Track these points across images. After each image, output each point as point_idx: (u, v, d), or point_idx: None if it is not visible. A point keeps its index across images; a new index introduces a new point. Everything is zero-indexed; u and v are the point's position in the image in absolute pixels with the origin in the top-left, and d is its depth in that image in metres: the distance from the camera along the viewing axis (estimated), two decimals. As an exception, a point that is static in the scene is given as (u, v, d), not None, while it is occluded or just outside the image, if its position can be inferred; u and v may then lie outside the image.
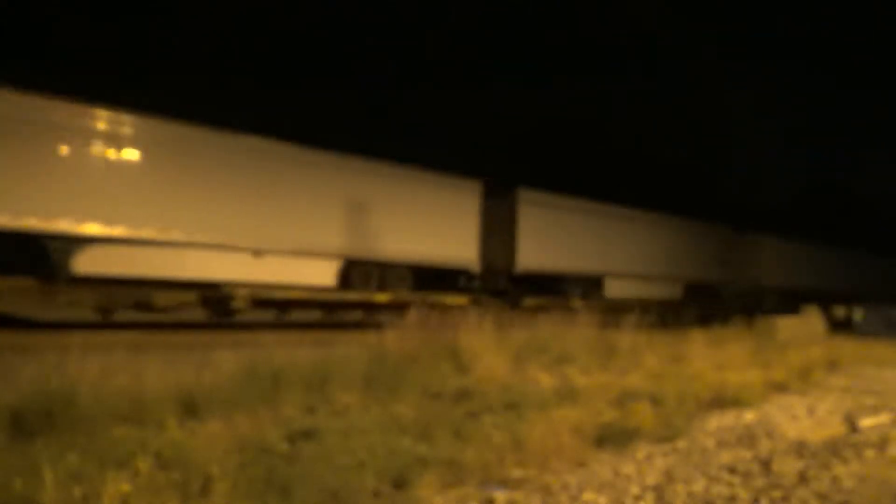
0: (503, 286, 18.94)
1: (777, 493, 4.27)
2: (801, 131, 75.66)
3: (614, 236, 21.89)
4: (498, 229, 18.77)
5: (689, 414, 6.67)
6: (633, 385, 7.77)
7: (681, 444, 5.55)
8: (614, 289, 21.45)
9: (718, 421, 6.55)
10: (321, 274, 14.83)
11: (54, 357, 6.99)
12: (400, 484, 4.05)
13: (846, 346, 13.65)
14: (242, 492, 3.63)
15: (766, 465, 4.98)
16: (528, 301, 18.57)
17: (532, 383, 7.81)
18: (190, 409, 5.50)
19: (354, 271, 15.47)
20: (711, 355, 10.26)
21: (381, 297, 15.77)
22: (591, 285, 20.81)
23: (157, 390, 5.50)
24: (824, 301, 26.78)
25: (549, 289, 19.91)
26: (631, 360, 9.86)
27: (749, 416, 6.85)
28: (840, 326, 20.59)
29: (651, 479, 4.49)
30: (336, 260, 15.10)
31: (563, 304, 18.02)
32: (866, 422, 6.69)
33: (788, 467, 4.87)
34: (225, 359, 6.78)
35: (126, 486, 3.33)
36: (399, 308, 14.86)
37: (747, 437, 5.84)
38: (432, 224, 16.96)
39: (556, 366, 9.02)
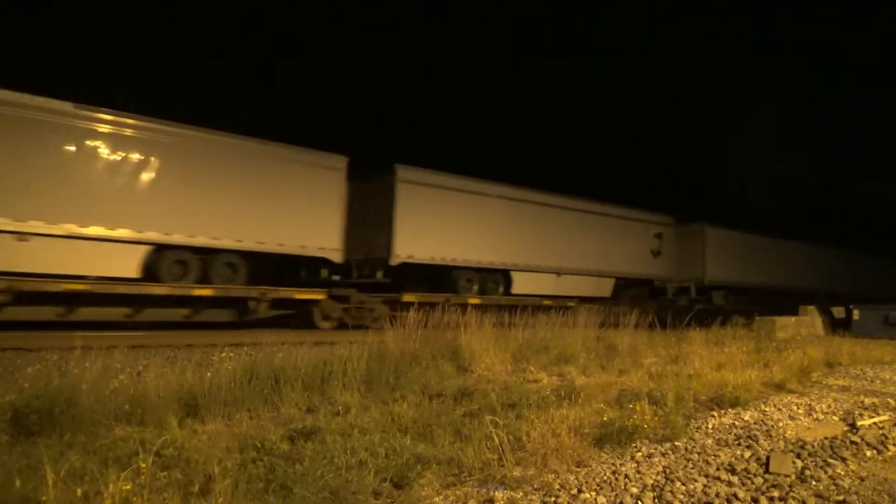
0: (380, 278, 17.02)
1: (775, 493, 4.28)
2: (798, 131, 75.97)
3: (526, 225, 19.50)
4: (373, 213, 16.82)
5: (688, 414, 6.69)
6: (632, 385, 7.79)
7: (680, 443, 5.57)
8: (525, 284, 19.37)
9: (717, 420, 6.57)
10: (119, 263, 12.68)
11: (55, 357, 7.02)
12: (400, 483, 4.07)
13: (844, 346, 13.66)
14: (243, 491, 3.65)
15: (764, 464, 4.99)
16: (409, 296, 16.21)
17: (532, 383, 7.83)
18: (191, 408, 5.53)
19: (164, 260, 13.34)
20: (710, 355, 10.28)
21: (203, 291, 13.52)
22: (493, 280, 18.83)
23: (158, 390, 5.52)
24: (815, 300, 26.50)
25: (441, 283, 17.88)
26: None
27: (748, 415, 6.86)
28: (839, 326, 20.59)
29: (650, 479, 4.50)
30: (139, 245, 12.96)
31: (458, 300, 16.53)
32: (865, 421, 6.71)
33: (787, 467, 4.88)
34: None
35: (127, 486, 3.35)
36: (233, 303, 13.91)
37: (746, 437, 5.85)
38: (278, 204, 14.68)
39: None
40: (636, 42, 72.50)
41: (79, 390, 4.99)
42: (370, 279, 17.05)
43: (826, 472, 4.83)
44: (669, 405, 6.65)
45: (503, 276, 19.08)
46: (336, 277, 16.99)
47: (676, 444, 5.54)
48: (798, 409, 7.36)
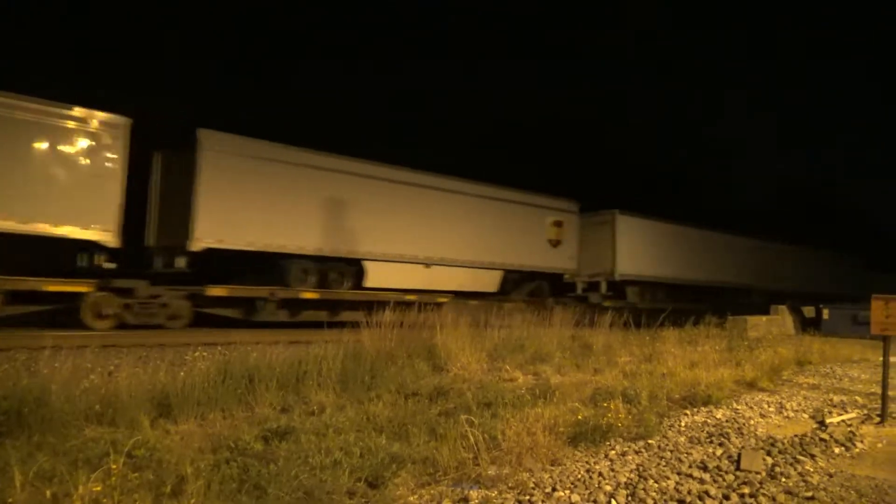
0: (183, 267, 14.63)
1: (746, 490, 4.34)
2: (778, 132, 77.18)
3: (385, 207, 16.88)
4: (173, 189, 14.35)
5: (662, 412, 6.76)
6: (607, 383, 7.86)
7: (653, 441, 5.62)
8: (383, 277, 16.79)
9: (690, 419, 6.64)
10: None
11: (24, 356, 6.89)
12: (375, 483, 4.06)
13: (815, 345, 13.88)
14: (216, 491, 3.61)
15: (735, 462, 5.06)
16: (215, 290, 14.11)
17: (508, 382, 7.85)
18: (163, 408, 5.47)
19: None
20: (683, 354, 10.39)
21: None
22: (339, 271, 16.31)
23: (129, 390, 5.45)
24: (750, 298, 26.15)
25: (271, 273, 15.44)
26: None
27: (720, 413, 6.95)
28: (809, 325, 20.96)
29: (624, 477, 4.54)
30: None
31: (288, 294, 15.02)
32: (833, 419, 6.83)
33: (758, 464, 4.95)
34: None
35: (97, 487, 3.30)
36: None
37: (718, 435, 5.93)
38: (18, 174, 11.89)
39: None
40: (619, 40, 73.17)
41: (48, 390, 4.91)
42: (171, 269, 14.67)
43: (796, 469, 4.90)
44: (643, 404, 6.71)
45: (354, 266, 16.51)
46: (110, 265, 14.09)
47: (650, 442, 5.59)
48: (769, 407, 7.47)
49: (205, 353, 8.73)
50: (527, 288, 20.72)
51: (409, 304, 14.19)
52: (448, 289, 18.04)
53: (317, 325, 14.10)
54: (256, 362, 6.71)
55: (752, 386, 8.84)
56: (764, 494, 4.25)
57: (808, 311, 22.46)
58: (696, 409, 7.12)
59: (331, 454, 4.31)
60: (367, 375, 7.13)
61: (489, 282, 19.32)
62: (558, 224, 21.22)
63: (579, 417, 5.71)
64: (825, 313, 20.77)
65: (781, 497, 4.22)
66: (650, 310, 17.79)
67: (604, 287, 22.23)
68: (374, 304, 12.79)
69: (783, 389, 8.88)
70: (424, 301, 15.54)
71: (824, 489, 4.46)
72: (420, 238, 17.54)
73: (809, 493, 4.32)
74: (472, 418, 5.03)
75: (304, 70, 49.58)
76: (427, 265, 17.71)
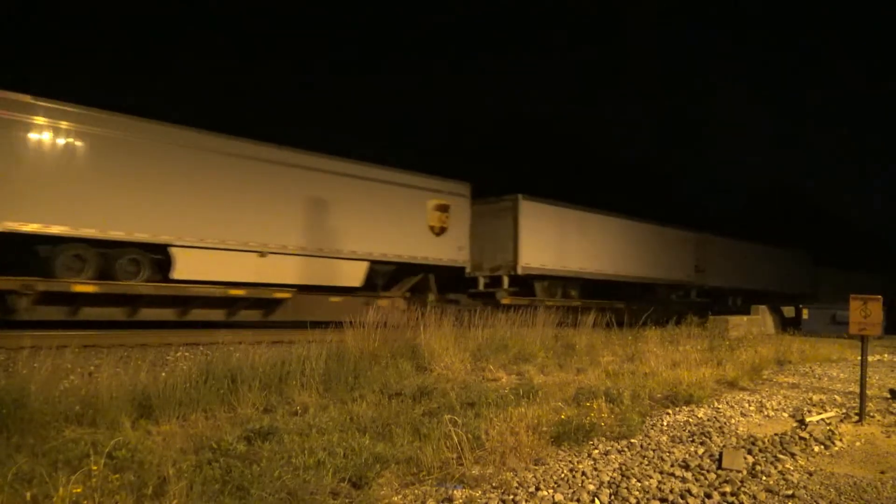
0: None
1: (728, 488, 4.38)
2: (760, 133, 78.08)
3: (200, 182, 13.67)
4: None
5: (644, 411, 6.80)
6: (590, 383, 7.90)
7: (636, 440, 5.66)
8: (198, 267, 13.52)
9: (672, 418, 6.69)
10: None
11: (2, 356, 6.80)
12: (358, 483, 4.05)
13: (794, 345, 14.02)
14: (198, 492, 3.59)
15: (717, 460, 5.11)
16: None
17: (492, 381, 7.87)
18: (145, 409, 5.42)
19: None
20: (665, 354, 10.46)
21: None
22: (131, 259, 12.97)
23: (110, 390, 5.40)
24: (686, 295, 24.71)
25: (31, 261, 12.26)
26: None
27: (701, 412, 7.01)
28: (789, 325, 21.23)
29: (607, 476, 4.57)
30: None
31: (51, 287, 11.76)
32: (813, 418, 6.91)
33: (739, 462, 5.00)
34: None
35: (78, 489, 3.27)
36: None
37: (700, 434, 5.97)
38: None
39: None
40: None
41: (27, 391, 4.85)
42: None
43: (776, 468, 4.96)
44: (626, 403, 6.75)
45: (156, 254, 13.31)
46: None
47: (632, 441, 5.63)
48: (750, 406, 7.54)
49: (187, 354, 8.69)
50: (408, 282, 17.91)
51: (233, 302, 12.92)
52: (291, 282, 14.89)
53: (299, 324, 12.78)
54: (239, 362, 6.67)
55: (733, 385, 8.92)
56: (745, 493, 4.29)
57: (788, 311, 22.75)
58: (678, 409, 7.17)
59: (314, 454, 4.29)
60: (350, 375, 7.11)
61: (350, 274, 16.11)
62: (443, 209, 18.09)
63: (562, 417, 5.74)
64: (805, 313, 21.05)
65: (762, 495, 4.27)
66: (559, 308, 15.05)
67: (506, 282, 18.91)
68: (188, 299, 11.69)
69: (763, 388, 8.97)
70: (257, 296, 13.98)
71: (804, 487, 4.51)
72: (251, 221, 14.36)
73: (790, 492, 4.37)
74: (456, 418, 5.04)
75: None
76: (261, 254, 14.48)
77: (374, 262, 16.49)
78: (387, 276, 17.40)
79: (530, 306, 13.62)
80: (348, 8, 59.55)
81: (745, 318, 19.96)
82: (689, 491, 4.29)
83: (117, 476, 3.66)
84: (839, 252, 41.37)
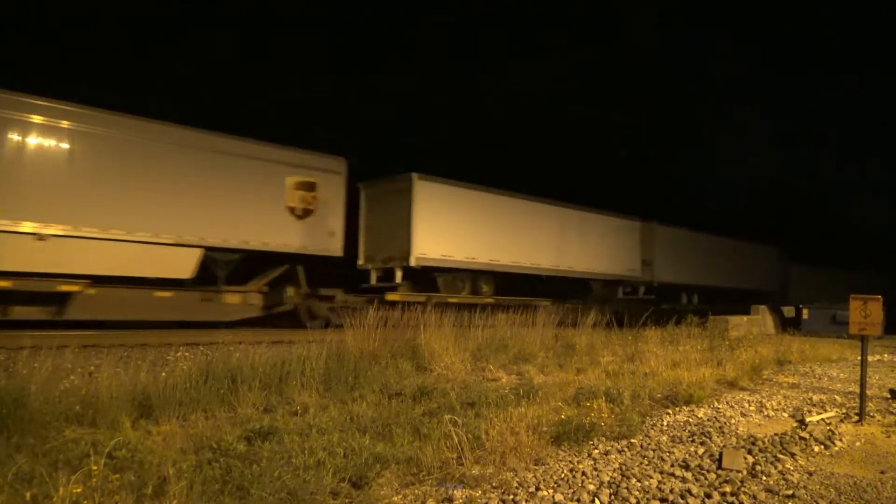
0: None
1: (728, 488, 4.38)
2: (761, 133, 78.14)
3: None
4: None
5: (644, 411, 6.80)
6: (590, 383, 7.89)
7: (636, 440, 5.66)
8: None
9: (672, 418, 6.69)
10: None
11: (2, 356, 6.80)
12: (359, 483, 4.05)
13: (794, 345, 14.02)
14: (198, 492, 3.59)
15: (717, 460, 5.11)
16: None
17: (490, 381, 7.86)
18: (145, 409, 5.42)
19: None
20: (665, 354, 10.46)
21: None
22: None
23: (110, 390, 5.40)
24: (622, 290, 22.72)
25: None
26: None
27: (701, 412, 7.01)
28: (789, 325, 21.24)
29: (607, 476, 4.57)
30: None
31: None
32: (813, 418, 6.90)
33: (739, 462, 5.00)
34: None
35: (78, 489, 3.27)
36: None
37: (700, 434, 5.97)
38: None
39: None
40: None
41: (27, 391, 4.85)
42: None
43: (776, 468, 4.95)
44: (626, 403, 6.75)
45: None
46: None
47: (632, 441, 5.63)
48: (750, 406, 7.54)
49: (187, 354, 8.69)
50: (269, 275, 15.17)
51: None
52: (87, 272, 12.07)
53: (299, 325, 12.76)
54: (239, 362, 6.68)
55: (733, 385, 8.92)
56: (745, 493, 4.29)
57: (788, 311, 22.76)
58: (678, 409, 7.17)
59: (314, 454, 4.29)
60: (350, 375, 7.12)
61: (174, 264, 13.21)
62: (307, 187, 15.39)
63: (562, 417, 5.73)
64: (805, 313, 21.06)
65: (762, 495, 4.27)
66: (460, 305, 13.55)
67: (398, 276, 16.36)
68: None
69: (763, 388, 8.97)
70: (32, 290, 11.38)
71: (804, 487, 4.51)
72: (24, 193, 11.58)
73: (790, 492, 4.37)
74: (456, 418, 5.04)
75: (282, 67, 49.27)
76: (40, 237, 11.65)
77: (210, 250, 13.78)
78: (231, 267, 14.61)
79: (426, 304, 12.22)
80: (348, 8, 59.48)
81: (745, 317, 19.97)
82: (689, 491, 4.29)
83: (117, 476, 3.66)
84: (839, 252, 41.27)
